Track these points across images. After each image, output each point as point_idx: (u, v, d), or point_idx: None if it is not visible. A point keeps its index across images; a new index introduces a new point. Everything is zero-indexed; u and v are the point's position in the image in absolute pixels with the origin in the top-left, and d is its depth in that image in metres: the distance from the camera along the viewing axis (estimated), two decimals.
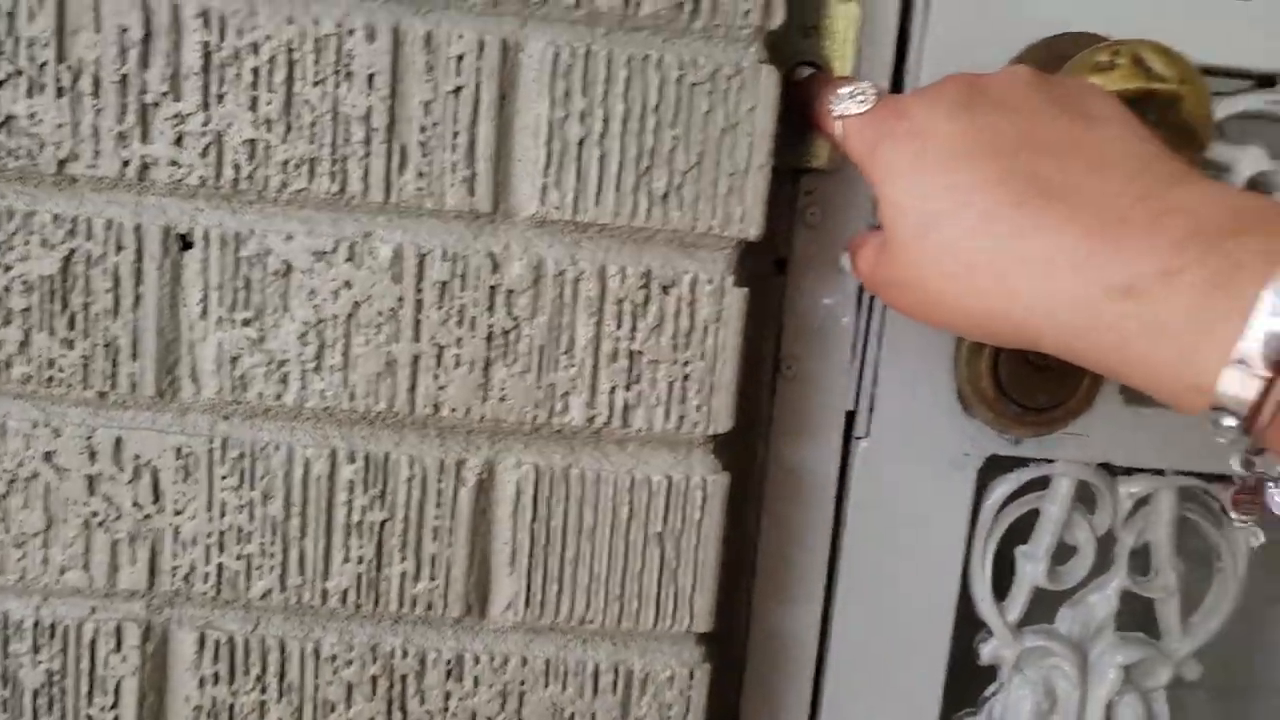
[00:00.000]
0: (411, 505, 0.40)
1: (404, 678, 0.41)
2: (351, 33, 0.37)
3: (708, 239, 0.39)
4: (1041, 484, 0.49)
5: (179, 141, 0.37)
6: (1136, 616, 0.52)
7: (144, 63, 0.37)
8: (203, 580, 0.40)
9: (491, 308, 0.39)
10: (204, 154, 0.37)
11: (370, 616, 0.41)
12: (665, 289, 0.39)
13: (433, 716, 0.41)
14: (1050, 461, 0.49)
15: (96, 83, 0.37)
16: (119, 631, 0.40)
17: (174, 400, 0.39)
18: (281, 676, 0.41)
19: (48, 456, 0.39)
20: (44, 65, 0.36)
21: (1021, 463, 0.49)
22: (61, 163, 0.37)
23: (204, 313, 0.38)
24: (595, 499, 0.40)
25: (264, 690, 0.41)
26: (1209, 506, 0.51)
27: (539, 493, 0.40)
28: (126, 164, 0.37)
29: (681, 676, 0.41)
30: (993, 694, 0.52)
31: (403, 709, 0.41)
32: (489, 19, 0.37)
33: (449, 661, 0.41)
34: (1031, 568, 0.50)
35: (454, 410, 0.39)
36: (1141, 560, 0.51)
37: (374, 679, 0.41)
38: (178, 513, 0.40)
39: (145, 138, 0.37)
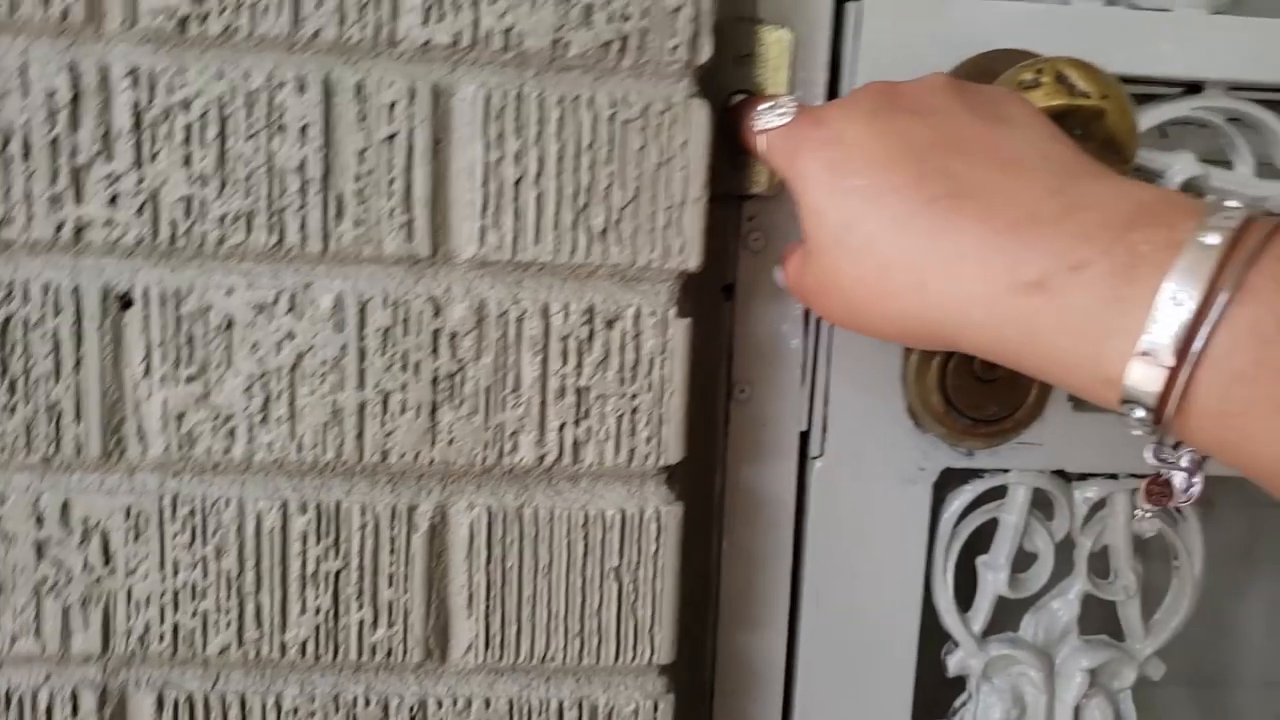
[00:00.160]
0: (366, 553, 0.40)
1: None
2: (282, 85, 0.37)
3: (649, 272, 0.39)
4: (998, 494, 0.50)
5: (113, 201, 0.37)
6: (1100, 619, 0.52)
7: (74, 124, 0.37)
8: (158, 640, 0.40)
9: (435, 351, 0.39)
10: (139, 212, 0.37)
11: (330, 666, 0.41)
12: (609, 324, 0.39)
13: None
14: (1005, 471, 0.49)
15: (26, 147, 0.36)
16: (75, 697, 0.39)
17: (121, 460, 0.39)
18: None
19: None
20: None
21: (976, 474, 0.49)
22: None
23: (147, 371, 0.38)
24: (550, 537, 0.40)
25: None
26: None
27: (493, 534, 0.40)
28: (61, 226, 0.37)
29: (646, 709, 0.41)
30: (962, 704, 0.52)
31: None
32: (419, 65, 0.37)
33: (412, 708, 0.41)
34: (993, 577, 0.50)
35: (403, 456, 0.39)
36: (1101, 563, 0.51)
37: None
38: (130, 573, 0.39)
39: (79, 199, 0.37)
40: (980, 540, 0.51)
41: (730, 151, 0.42)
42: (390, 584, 0.40)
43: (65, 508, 0.39)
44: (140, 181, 0.37)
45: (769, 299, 0.46)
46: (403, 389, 0.39)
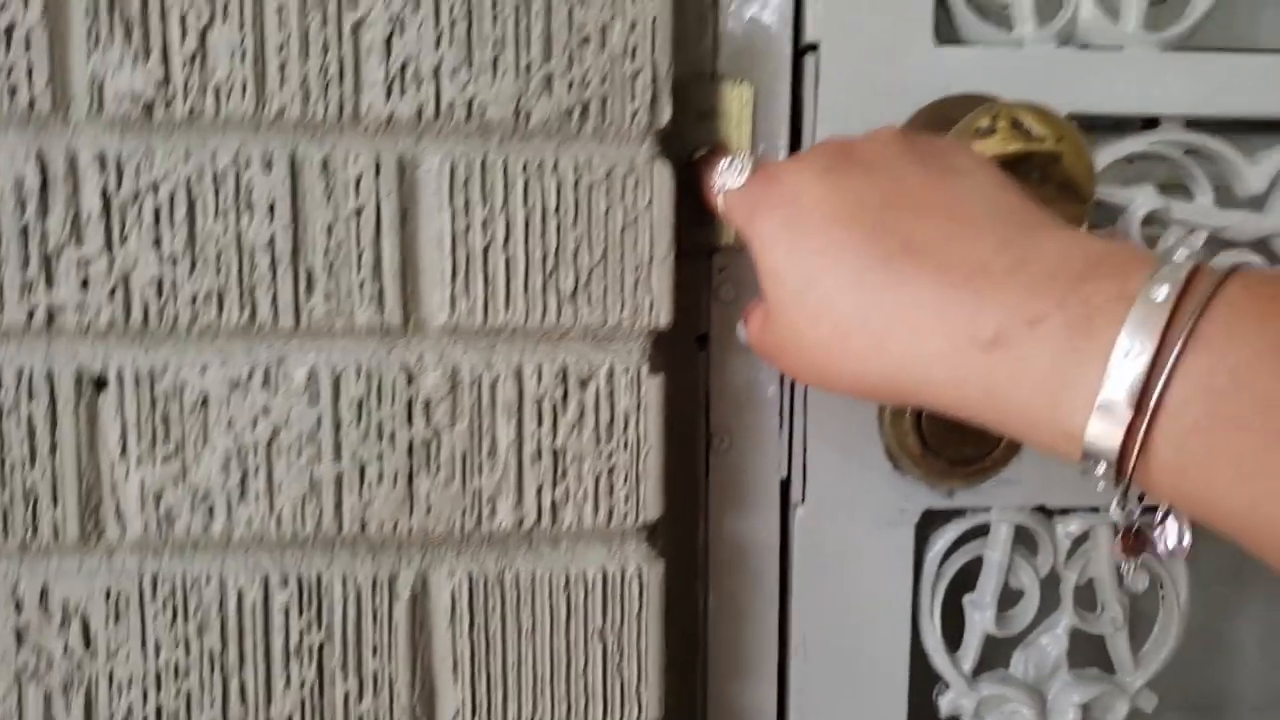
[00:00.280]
0: (348, 625, 0.40)
1: None
2: (249, 164, 0.37)
3: (620, 331, 0.40)
4: (980, 532, 0.50)
5: (85, 285, 0.37)
6: (1089, 652, 0.52)
7: (43, 211, 0.37)
8: None
9: (410, 420, 0.39)
10: (111, 295, 0.37)
11: None
12: (583, 384, 0.40)
13: None
14: (986, 509, 0.49)
15: None
16: None
17: (99, 542, 0.39)
18: None
19: None
20: None
21: (958, 513, 0.50)
22: None
23: (124, 452, 0.38)
24: (532, 601, 0.40)
25: None
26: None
27: (475, 600, 0.40)
28: (33, 312, 0.37)
29: None
30: None
31: None
32: (384, 138, 0.38)
33: None
34: (980, 615, 0.50)
35: (382, 525, 0.39)
36: (1088, 596, 0.51)
37: None
38: (111, 655, 0.39)
39: (50, 284, 0.37)
40: (966, 579, 0.51)
41: (696, 206, 0.43)
42: (374, 654, 0.40)
43: (44, 592, 0.39)
44: (111, 264, 0.37)
45: (743, 349, 0.47)
46: (379, 459, 0.39)
